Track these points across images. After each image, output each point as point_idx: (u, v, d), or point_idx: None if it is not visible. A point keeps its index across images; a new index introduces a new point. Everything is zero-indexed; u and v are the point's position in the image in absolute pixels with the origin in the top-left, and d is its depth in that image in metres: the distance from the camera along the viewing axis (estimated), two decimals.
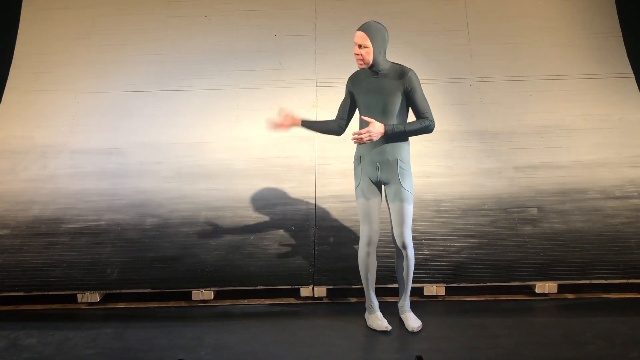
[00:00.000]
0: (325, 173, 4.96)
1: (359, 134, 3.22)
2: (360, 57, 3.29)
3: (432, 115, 3.34)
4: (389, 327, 3.46)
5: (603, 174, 4.82)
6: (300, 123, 3.56)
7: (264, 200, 4.73)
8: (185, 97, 5.44)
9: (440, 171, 4.85)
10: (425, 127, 3.31)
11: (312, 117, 5.31)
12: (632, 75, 5.42)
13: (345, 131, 3.58)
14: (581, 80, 5.43)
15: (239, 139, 5.22)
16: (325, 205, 4.68)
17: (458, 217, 4.50)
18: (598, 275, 3.97)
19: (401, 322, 3.56)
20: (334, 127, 3.53)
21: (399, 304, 3.62)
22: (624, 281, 3.96)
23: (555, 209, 4.53)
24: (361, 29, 3.29)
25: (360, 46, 3.27)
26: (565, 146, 5.04)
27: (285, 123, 3.56)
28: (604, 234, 4.31)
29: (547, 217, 4.47)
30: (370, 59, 3.28)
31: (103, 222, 4.56)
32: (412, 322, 3.50)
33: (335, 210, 4.63)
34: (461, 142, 5.09)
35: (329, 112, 5.20)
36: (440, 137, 4.95)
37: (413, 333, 3.46)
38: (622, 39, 5.55)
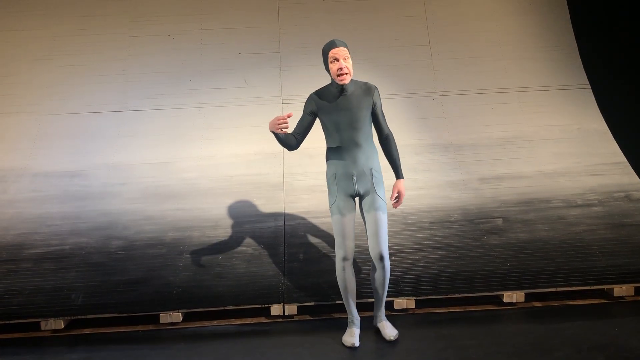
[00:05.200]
0: (293, 189, 4.96)
1: (399, 203, 3.55)
2: (346, 70, 3.33)
3: (388, 127, 3.57)
4: (355, 344, 3.48)
5: (564, 183, 4.94)
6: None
7: (232, 218, 4.69)
8: (150, 117, 5.38)
9: (407, 185, 4.88)
10: (396, 146, 3.59)
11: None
12: (589, 86, 5.59)
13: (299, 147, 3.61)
14: (540, 92, 5.57)
15: (205, 158, 5.18)
16: (294, 222, 4.67)
17: (425, 229, 4.55)
18: (563, 283, 4.05)
19: (375, 335, 3.59)
20: (293, 143, 3.52)
21: (375, 314, 3.69)
22: (588, 288, 4.05)
23: (519, 219, 4.62)
24: (340, 44, 3.35)
25: (344, 60, 3.34)
26: (527, 157, 5.15)
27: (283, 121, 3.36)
28: (568, 242, 4.40)
29: (512, 227, 4.54)
30: (352, 72, 3.39)
31: (67, 247, 4.46)
32: (389, 330, 3.58)
33: (304, 226, 4.63)
34: (426, 156, 5.15)
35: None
36: (405, 151, 5.00)
37: (390, 342, 3.52)
38: (578, 52, 5.73)
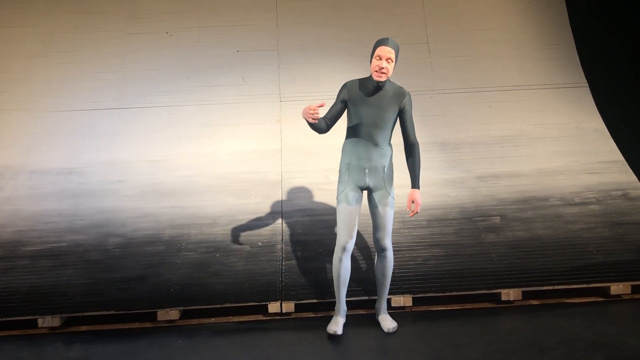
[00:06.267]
0: (291, 187, 4.95)
1: (415, 212, 3.57)
2: (385, 70, 3.41)
3: (415, 136, 3.61)
4: (337, 332, 3.56)
5: (562, 182, 4.94)
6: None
7: (230, 216, 4.69)
8: (147, 114, 5.37)
9: (405, 182, 4.82)
10: (420, 156, 3.63)
11: (277, 131, 5.32)
12: (587, 85, 5.59)
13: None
14: (538, 90, 5.57)
15: (203, 155, 5.17)
16: (292, 219, 4.67)
17: (423, 227, 4.55)
18: (560, 281, 4.06)
19: (372, 332, 3.61)
20: (323, 127, 3.57)
21: (376, 306, 3.76)
22: (585, 286, 4.06)
23: (517, 217, 4.62)
24: (390, 45, 3.44)
25: (387, 60, 3.42)
26: (525, 155, 5.16)
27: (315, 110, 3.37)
28: (565, 240, 4.41)
29: (509, 225, 4.55)
30: (391, 74, 3.47)
31: (64, 244, 4.45)
32: (388, 323, 3.65)
33: (302, 224, 4.63)
34: (424, 154, 5.07)
35: (294, 126, 5.27)
36: (403, 149, 5.00)
37: (389, 334, 3.59)
38: (576, 51, 5.73)
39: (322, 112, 3.72)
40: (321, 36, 5.70)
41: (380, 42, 3.46)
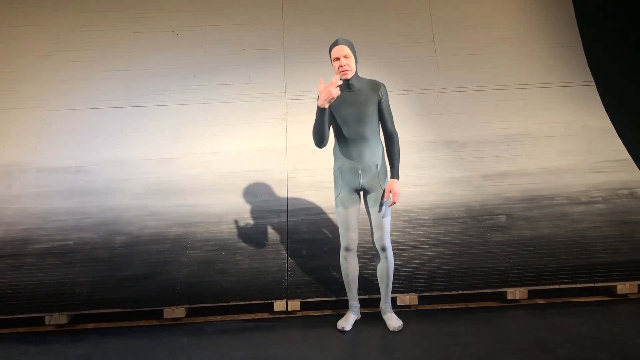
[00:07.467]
0: (296, 186, 4.96)
1: (393, 202, 3.53)
2: (347, 67, 3.45)
3: (394, 126, 3.61)
4: (345, 329, 3.63)
5: (568, 180, 4.93)
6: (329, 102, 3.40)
7: (235, 214, 4.70)
8: (153, 113, 5.39)
9: (410, 181, 4.90)
10: (399, 146, 3.59)
11: (282, 130, 5.33)
12: (593, 83, 5.57)
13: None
14: (545, 89, 5.55)
15: (209, 154, 5.19)
16: (297, 218, 4.68)
17: (429, 226, 4.55)
18: (566, 280, 4.05)
19: (378, 331, 3.61)
20: (327, 134, 3.51)
21: (381, 305, 3.76)
22: (592, 285, 4.05)
23: (523, 216, 4.61)
24: (341, 42, 3.48)
25: (345, 57, 3.45)
26: (531, 154, 5.14)
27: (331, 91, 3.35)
28: (571, 239, 4.40)
29: (515, 224, 4.54)
30: (354, 67, 3.49)
31: (71, 242, 4.47)
32: (394, 322, 3.66)
33: (308, 222, 4.63)
34: (429, 152, 5.15)
35: (300, 125, 5.28)
36: (408, 148, 5.02)
37: (394, 332, 3.59)
38: (583, 49, 5.71)
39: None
40: (327, 34, 5.69)
41: (332, 46, 3.51)
